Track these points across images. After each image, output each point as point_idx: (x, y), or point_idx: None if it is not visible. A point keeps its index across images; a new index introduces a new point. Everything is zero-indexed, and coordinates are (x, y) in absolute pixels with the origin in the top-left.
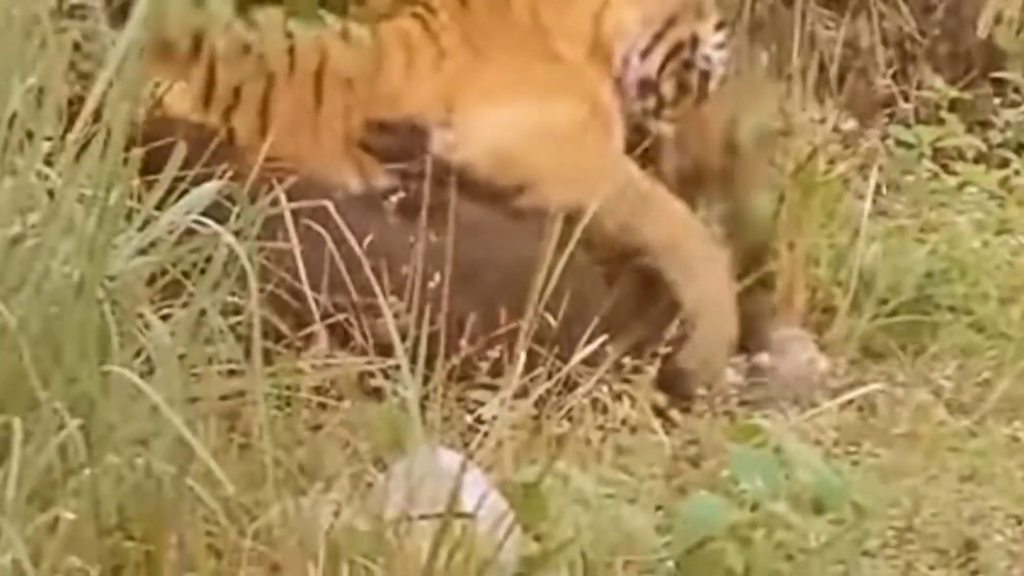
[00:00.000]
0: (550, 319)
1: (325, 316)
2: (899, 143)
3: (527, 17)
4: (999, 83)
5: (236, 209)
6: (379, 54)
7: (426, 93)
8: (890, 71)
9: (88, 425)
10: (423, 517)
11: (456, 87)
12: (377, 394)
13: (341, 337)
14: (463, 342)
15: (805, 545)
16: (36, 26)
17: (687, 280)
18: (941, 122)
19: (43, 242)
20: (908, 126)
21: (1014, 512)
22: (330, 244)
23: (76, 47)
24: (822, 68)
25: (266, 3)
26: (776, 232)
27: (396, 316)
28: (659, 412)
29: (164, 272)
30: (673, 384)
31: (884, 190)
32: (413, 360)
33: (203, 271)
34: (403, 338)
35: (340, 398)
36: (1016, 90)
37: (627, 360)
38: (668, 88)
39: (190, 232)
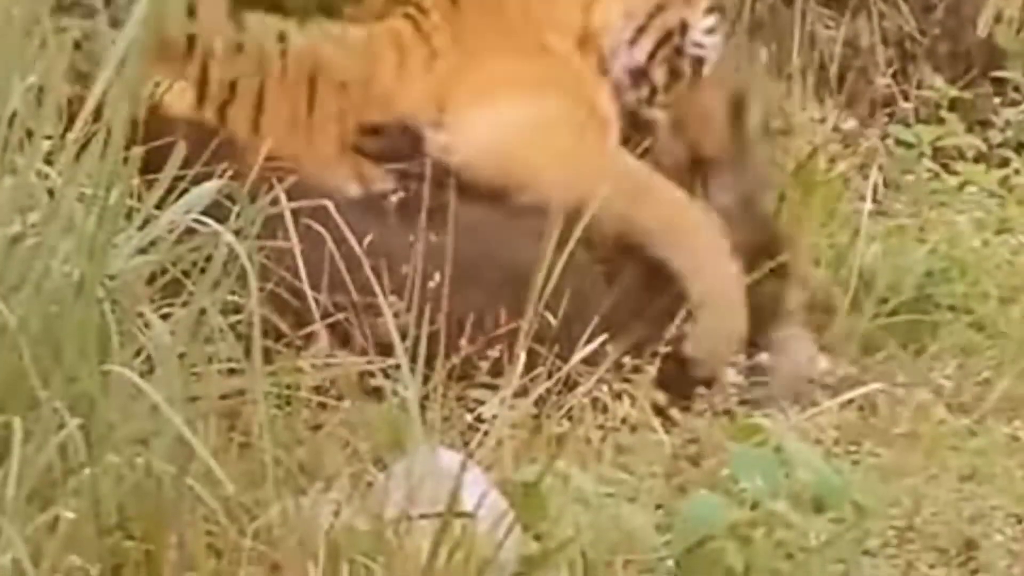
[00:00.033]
0: (550, 318)
1: (325, 315)
2: (899, 142)
3: (518, 14)
4: (999, 82)
5: (236, 208)
6: (371, 55)
7: (419, 93)
8: (890, 70)
9: (88, 424)
10: (423, 516)
11: (449, 87)
12: (377, 393)
13: (341, 336)
14: (463, 341)
15: (805, 544)
16: (36, 26)
17: (690, 267)
18: (941, 121)
19: (43, 241)
20: (908, 125)
21: (1014, 511)
22: (330, 243)
23: (76, 46)
24: (822, 67)
25: (260, 7)
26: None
27: (396, 315)
28: (659, 411)
29: (164, 271)
30: (680, 374)
31: (884, 189)
32: (413, 360)
33: (203, 270)
34: (403, 337)
35: (340, 397)
36: (1016, 89)
37: (627, 359)
38: (659, 75)
39: (190, 231)
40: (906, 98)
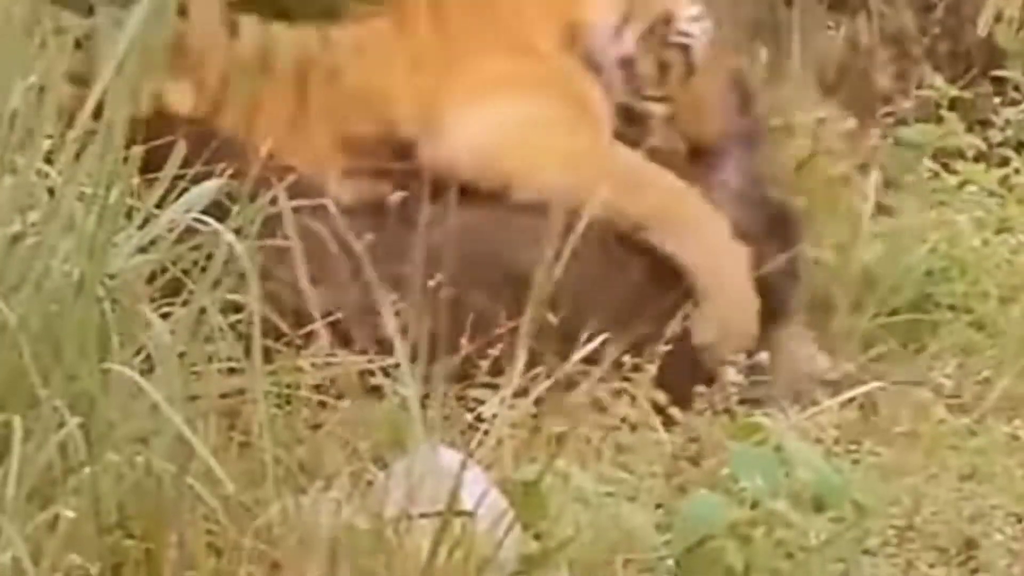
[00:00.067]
0: (550, 317)
1: (325, 314)
2: (899, 142)
3: (503, 12)
4: (999, 81)
5: (236, 207)
6: (359, 56)
7: (407, 96)
8: (890, 70)
9: (88, 423)
10: (423, 515)
11: (437, 89)
12: (377, 392)
13: (341, 336)
14: (463, 340)
15: (805, 543)
16: (36, 25)
17: (692, 254)
18: (941, 121)
19: (43, 240)
20: (908, 125)
21: (1014, 510)
22: (330, 243)
23: (77, 45)
24: (822, 67)
25: (259, 9)
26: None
27: (396, 314)
28: (659, 410)
29: (164, 270)
30: (681, 372)
31: (884, 189)
32: (413, 359)
33: (203, 269)
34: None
35: (340, 396)
36: (1016, 88)
37: (627, 358)
38: (648, 68)
39: (190, 230)
40: (906, 97)
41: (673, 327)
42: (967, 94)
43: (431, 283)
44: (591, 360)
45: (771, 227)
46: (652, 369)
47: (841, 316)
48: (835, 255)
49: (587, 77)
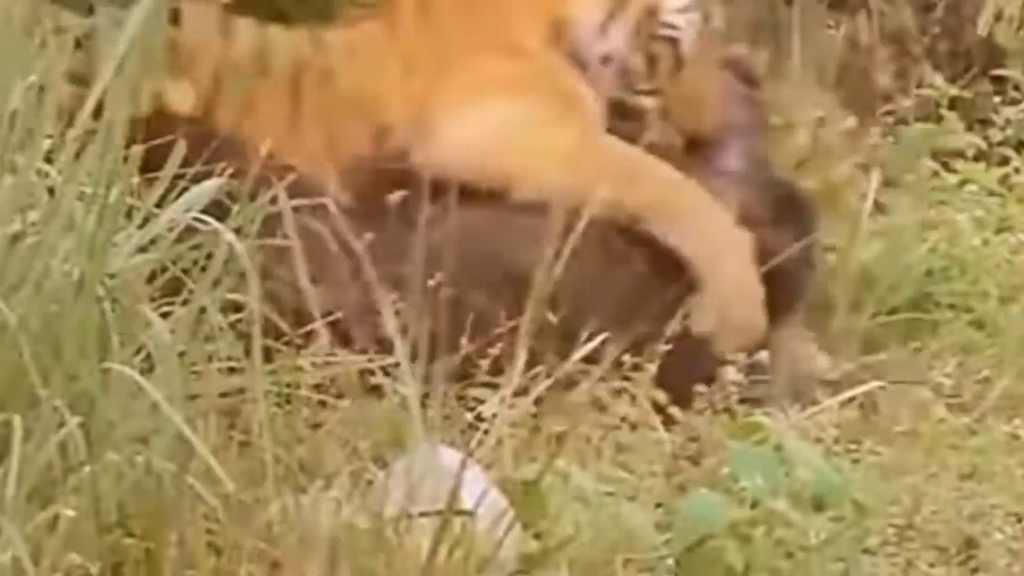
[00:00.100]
0: (550, 316)
1: (325, 314)
2: (899, 141)
3: (489, 13)
4: (999, 81)
5: (236, 207)
6: (351, 59)
7: (397, 98)
8: (890, 69)
9: (88, 422)
10: (423, 515)
11: (427, 91)
12: (377, 392)
13: (341, 335)
14: (463, 340)
15: (805, 543)
16: (36, 25)
17: (687, 239)
18: (941, 120)
19: (43, 240)
20: (908, 124)
21: (1014, 510)
22: (330, 241)
23: (77, 45)
24: (822, 66)
25: (259, 12)
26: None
27: (396, 314)
28: (659, 410)
29: (164, 270)
30: (693, 365)
31: (884, 188)
32: (413, 358)
33: (203, 269)
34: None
35: (340, 396)
36: (1016, 88)
37: (627, 358)
38: (637, 62)
39: (190, 230)
40: (906, 96)
41: (673, 326)
42: (967, 93)
43: (431, 282)
44: (591, 359)
45: (780, 209)
46: (652, 368)
47: (841, 315)
48: (835, 254)
49: (574, 74)
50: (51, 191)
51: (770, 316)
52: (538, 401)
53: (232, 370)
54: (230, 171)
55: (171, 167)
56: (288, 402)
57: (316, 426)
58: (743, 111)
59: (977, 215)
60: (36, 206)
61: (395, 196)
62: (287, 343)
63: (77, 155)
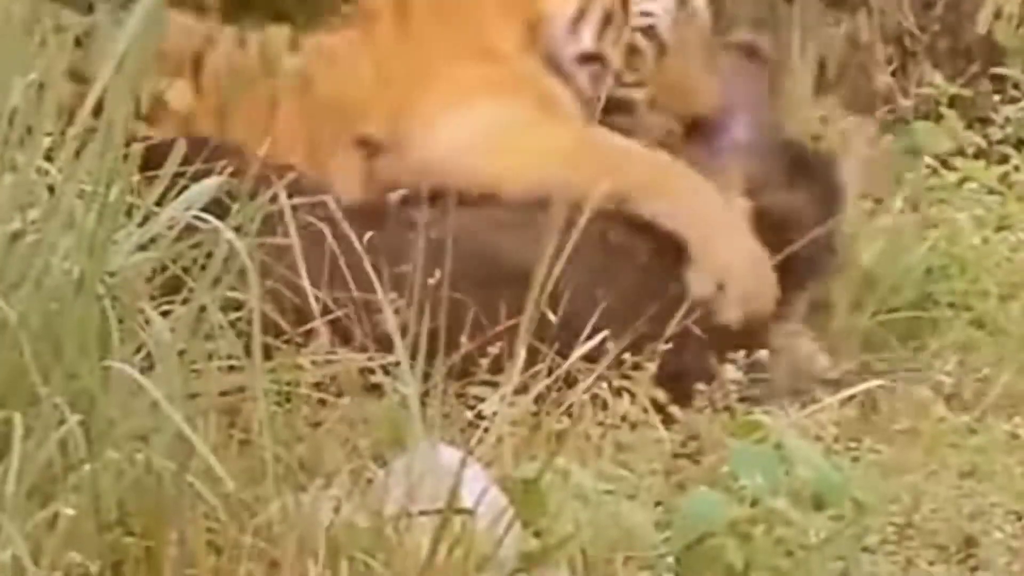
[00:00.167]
0: (550, 315)
1: (325, 312)
2: (899, 139)
3: (465, 17)
4: (999, 79)
5: (236, 205)
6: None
7: (375, 106)
8: (890, 67)
9: (88, 421)
10: (423, 513)
11: (406, 99)
12: (377, 390)
13: (341, 333)
14: (463, 338)
15: (805, 541)
16: (36, 23)
17: (677, 213)
18: (941, 118)
19: (43, 238)
20: (908, 122)
21: (1014, 508)
22: (330, 240)
23: (77, 43)
24: (822, 64)
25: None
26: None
27: (396, 312)
28: (659, 408)
29: (164, 268)
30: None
31: (884, 186)
32: (413, 356)
33: (203, 267)
34: (403, 334)
35: (340, 394)
36: (1016, 86)
37: (627, 356)
38: (615, 56)
39: (190, 228)
40: (906, 95)
41: (673, 325)
42: (967, 91)
43: (431, 281)
44: (591, 358)
45: (794, 171)
46: (652, 367)
47: (841, 314)
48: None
49: (550, 76)
50: (51, 189)
51: (792, 279)
52: (538, 399)
53: (232, 368)
54: (230, 170)
55: (171, 165)
56: (288, 400)
57: (316, 424)
58: (747, 84)
59: (977, 213)
60: (36, 204)
61: (394, 196)
62: (287, 341)
63: (77, 153)
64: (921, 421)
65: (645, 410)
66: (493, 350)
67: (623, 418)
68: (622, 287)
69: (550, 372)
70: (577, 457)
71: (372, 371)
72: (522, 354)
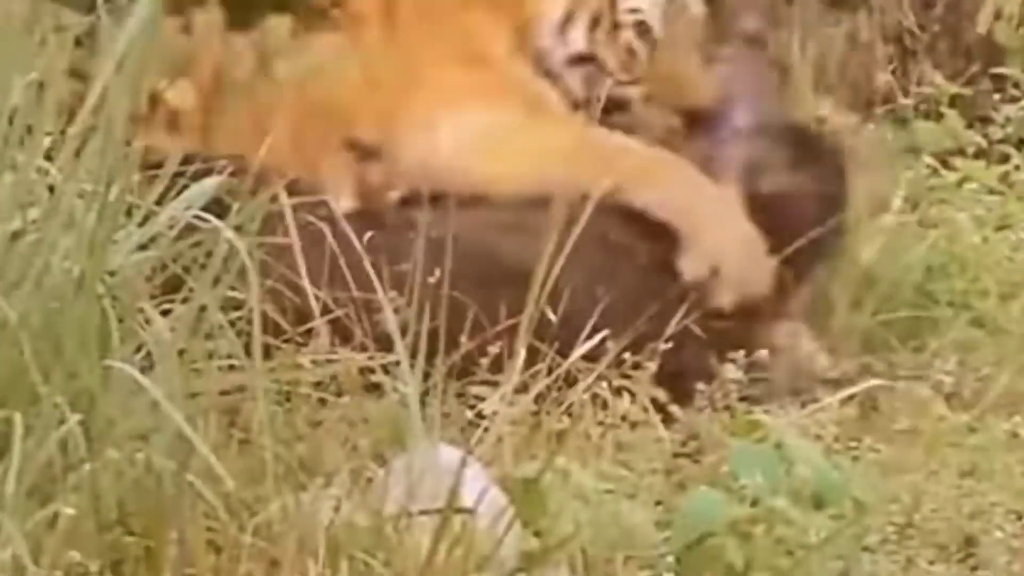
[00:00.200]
0: (550, 314)
1: (325, 312)
2: (899, 139)
3: (454, 22)
4: (999, 79)
5: (236, 205)
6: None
7: (364, 111)
8: (890, 67)
9: (88, 420)
10: (423, 512)
11: (396, 104)
12: (377, 390)
13: (341, 333)
14: (463, 338)
15: (805, 541)
16: (37, 22)
17: (668, 200)
18: (941, 118)
19: (43, 237)
20: (907, 122)
21: (1014, 508)
22: (330, 240)
23: (77, 42)
24: (821, 64)
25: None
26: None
27: (396, 312)
28: (659, 408)
29: (164, 267)
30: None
31: (884, 186)
32: (413, 356)
33: (203, 266)
34: (403, 334)
35: (340, 394)
36: (1016, 86)
37: (627, 355)
38: (609, 56)
39: (190, 228)
40: (906, 94)
41: (673, 324)
42: (967, 91)
43: (431, 280)
44: (591, 357)
45: (798, 154)
46: (652, 366)
47: (841, 313)
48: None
49: (540, 79)
50: (51, 188)
51: (797, 263)
52: (538, 399)
53: (232, 368)
54: (230, 169)
55: (171, 164)
56: (288, 400)
57: (316, 424)
58: (751, 72)
59: (977, 213)
60: (36, 203)
61: (394, 195)
62: (287, 341)
63: (77, 152)
64: (921, 420)
65: (645, 409)
66: (493, 349)
67: (623, 418)
68: (622, 286)
69: (550, 371)
70: (577, 457)
71: (372, 370)
72: (522, 353)
